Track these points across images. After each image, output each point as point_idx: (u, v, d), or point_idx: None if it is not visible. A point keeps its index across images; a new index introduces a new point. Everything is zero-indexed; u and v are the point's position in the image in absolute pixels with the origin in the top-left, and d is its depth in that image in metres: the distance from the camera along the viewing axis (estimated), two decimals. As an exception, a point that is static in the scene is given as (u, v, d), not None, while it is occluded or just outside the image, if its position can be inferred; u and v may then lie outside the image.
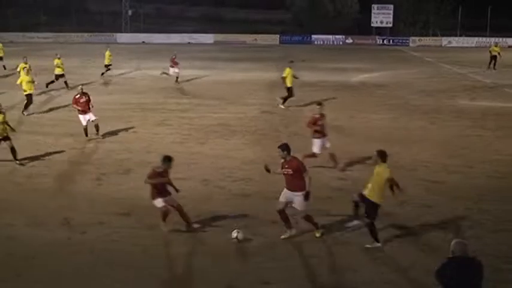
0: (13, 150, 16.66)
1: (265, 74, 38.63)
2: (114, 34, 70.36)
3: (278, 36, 70.23)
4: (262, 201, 14.06)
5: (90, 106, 20.15)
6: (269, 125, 22.70)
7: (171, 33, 70.58)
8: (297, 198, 11.63)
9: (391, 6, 70.68)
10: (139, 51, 56.62)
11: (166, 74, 34.24)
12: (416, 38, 68.80)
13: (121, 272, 10.41)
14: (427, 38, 69.39)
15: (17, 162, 16.72)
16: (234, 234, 11.57)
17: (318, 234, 11.87)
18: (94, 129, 20.03)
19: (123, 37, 69.85)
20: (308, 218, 11.86)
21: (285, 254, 11.24)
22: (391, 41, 68.73)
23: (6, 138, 16.65)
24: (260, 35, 70.08)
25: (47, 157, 17.74)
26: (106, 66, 36.05)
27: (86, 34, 68.71)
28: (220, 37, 69.26)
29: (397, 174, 16.34)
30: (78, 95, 20.19)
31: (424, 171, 16.71)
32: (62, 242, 11.71)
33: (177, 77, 33.68)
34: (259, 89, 32.09)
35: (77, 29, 71.39)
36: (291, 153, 11.98)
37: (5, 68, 38.36)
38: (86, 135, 19.92)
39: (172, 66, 34.20)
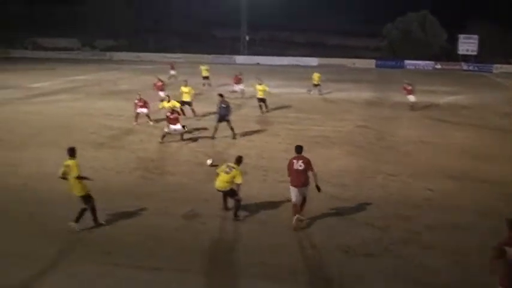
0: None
1: (362, 93, 38.18)
2: (233, 56, 71.74)
3: (374, 61, 69.07)
4: (356, 204, 13.94)
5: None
6: (364, 138, 22.37)
7: (281, 56, 71.07)
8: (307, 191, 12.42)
9: (476, 36, 67.78)
10: (255, 71, 57.31)
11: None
12: (499, 66, 65.55)
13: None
14: (510, 66, 65.93)
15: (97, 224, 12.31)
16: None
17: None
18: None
19: (241, 59, 71.04)
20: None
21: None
22: (475, 67, 65.86)
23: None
24: (358, 60, 69.20)
25: (175, 158, 18.29)
26: (204, 78, 38.17)
27: (210, 56, 70.37)
28: (324, 60, 68.88)
29: (483, 190, 15.71)
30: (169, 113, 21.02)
31: (509, 187, 15.85)
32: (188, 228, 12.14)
33: (242, 93, 34.23)
34: (356, 107, 31.70)
35: (204, 51, 73.32)
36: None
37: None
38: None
39: (237, 84, 35.29)
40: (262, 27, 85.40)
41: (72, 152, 11.93)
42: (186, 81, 27.16)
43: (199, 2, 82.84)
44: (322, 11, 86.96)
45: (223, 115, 21.53)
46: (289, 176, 12.58)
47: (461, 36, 68.98)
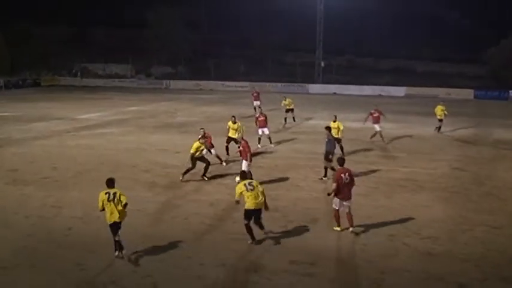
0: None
1: (458, 129, 37.44)
2: (306, 85, 72.16)
3: (472, 91, 67.68)
4: (449, 262, 13.55)
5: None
6: (460, 183, 21.83)
7: (362, 85, 70.89)
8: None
9: None
10: (331, 101, 57.49)
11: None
12: None
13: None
14: None
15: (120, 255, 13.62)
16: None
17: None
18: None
19: (314, 87, 71.42)
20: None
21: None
22: None
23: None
24: (453, 89, 67.92)
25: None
26: (287, 111, 38.05)
27: (279, 84, 71.13)
28: (412, 90, 68.22)
29: None
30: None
31: None
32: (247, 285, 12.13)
33: (256, 108, 35.81)
34: (451, 145, 31.11)
35: (272, 79, 74.22)
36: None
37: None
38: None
39: (256, 100, 38.88)
40: (339, 52, 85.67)
41: (112, 183, 13.76)
42: (234, 117, 26.65)
43: (266, 24, 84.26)
44: (409, 33, 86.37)
45: (330, 151, 21.70)
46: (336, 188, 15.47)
47: None
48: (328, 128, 22.68)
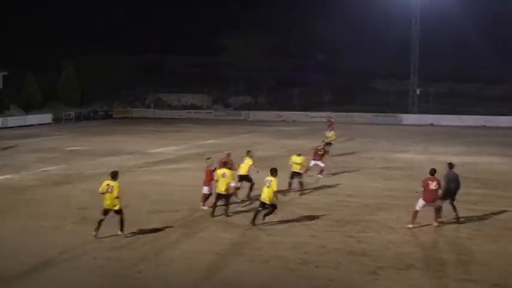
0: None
1: None
2: (399, 115, 71.37)
3: None
4: None
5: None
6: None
7: (463, 115, 69.46)
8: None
9: None
10: (427, 133, 56.55)
11: None
12: None
13: None
14: None
15: (121, 233, 18.78)
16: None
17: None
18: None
19: (409, 118, 70.53)
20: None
21: None
22: None
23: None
24: None
25: (319, 244, 18.27)
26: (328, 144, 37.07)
27: (369, 114, 70.73)
28: (521, 120, 66.40)
29: None
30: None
31: None
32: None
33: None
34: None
35: (361, 109, 73.89)
36: None
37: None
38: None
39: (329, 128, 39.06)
40: (438, 79, 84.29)
41: (115, 175, 18.62)
42: (250, 151, 26.29)
43: (356, 48, 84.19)
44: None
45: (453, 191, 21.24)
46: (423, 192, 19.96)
47: None
48: (451, 165, 22.07)
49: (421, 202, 20.03)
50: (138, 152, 41.11)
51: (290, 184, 25.96)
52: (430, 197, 19.88)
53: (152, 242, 18.46)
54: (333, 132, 39.25)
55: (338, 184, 28.36)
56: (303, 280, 15.30)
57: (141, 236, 19.21)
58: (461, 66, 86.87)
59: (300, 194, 25.64)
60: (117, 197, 18.30)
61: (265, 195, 20.18)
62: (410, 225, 19.87)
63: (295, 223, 20.78)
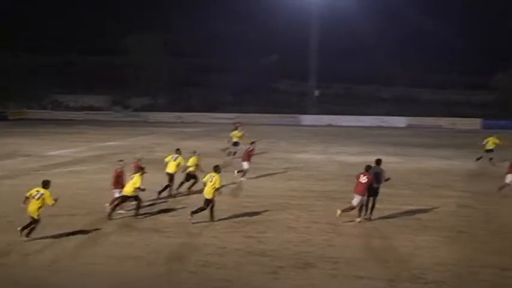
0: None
1: (464, 163, 37.54)
2: (298, 116, 72.45)
3: (480, 120, 68.19)
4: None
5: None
6: (467, 221, 21.81)
7: (359, 115, 71.28)
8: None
9: None
10: (326, 134, 57.70)
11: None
12: None
13: None
14: None
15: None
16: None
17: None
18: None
19: (308, 119, 71.69)
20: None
21: None
22: None
23: None
24: (459, 119, 68.53)
25: (220, 246, 18.35)
26: (234, 144, 38.10)
27: (270, 115, 71.44)
28: (415, 120, 68.75)
29: None
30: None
31: None
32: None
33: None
34: (457, 180, 31.16)
35: (262, 110, 74.52)
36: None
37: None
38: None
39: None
40: (336, 80, 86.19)
41: (46, 185, 18.94)
42: (195, 152, 27.23)
43: (256, 50, 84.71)
44: (411, 60, 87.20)
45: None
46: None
47: None
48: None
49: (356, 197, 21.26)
50: (35, 155, 40.00)
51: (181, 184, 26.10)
52: (359, 189, 21.07)
53: (50, 248, 18.02)
54: (238, 131, 39.19)
55: (240, 185, 28.57)
56: (204, 282, 15.33)
57: (39, 241, 18.71)
58: (359, 68, 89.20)
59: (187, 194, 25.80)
60: (40, 207, 18.45)
61: (208, 191, 20.86)
62: (339, 212, 21.22)
63: (197, 224, 20.77)
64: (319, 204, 24.54)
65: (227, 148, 38.70)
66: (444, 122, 68.09)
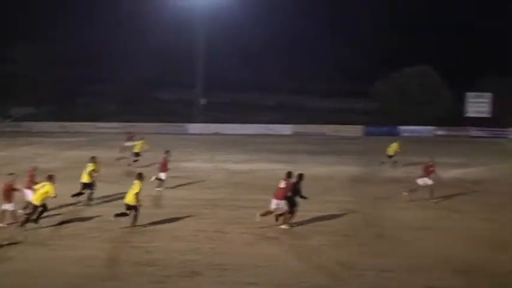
0: None
1: (347, 168, 38.59)
2: (184, 124, 72.13)
3: (362, 127, 70.31)
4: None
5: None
6: (350, 225, 22.47)
7: (245, 124, 71.76)
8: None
9: (489, 94, 70.09)
10: (212, 142, 57.81)
11: None
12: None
13: None
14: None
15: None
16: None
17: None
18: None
19: (195, 127, 71.48)
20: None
21: None
22: (488, 132, 67.59)
23: None
24: (342, 126, 70.25)
25: (106, 257, 18.05)
26: (136, 154, 37.68)
27: (156, 124, 70.75)
28: (299, 128, 69.93)
29: (492, 283, 15.91)
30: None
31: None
32: None
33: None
34: (340, 186, 31.99)
35: (147, 119, 73.64)
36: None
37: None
38: None
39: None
40: (222, 88, 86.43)
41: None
42: (94, 157, 26.98)
43: (141, 58, 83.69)
44: (296, 68, 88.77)
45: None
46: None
47: (469, 95, 71.09)
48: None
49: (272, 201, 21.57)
50: None
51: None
52: (277, 194, 21.52)
53: None
54: (139, 142, 38.53)
55: (159, 195, 28.11)
56: None
57: None
58: (245, 76, 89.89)
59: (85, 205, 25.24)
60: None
61: (129, 198, 21.21)
62: (258, 219, 21.43)
63: (82, 236, 20.34)
64: (207, 212, 24.57)
65: (123, 157, 38.40)
66: (328, 129, 69.57)
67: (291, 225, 21.93)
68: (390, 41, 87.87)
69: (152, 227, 21.74)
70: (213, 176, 35.10)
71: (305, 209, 25.01)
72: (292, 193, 21.91)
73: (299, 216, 23.46)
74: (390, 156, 38.72)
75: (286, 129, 69.97)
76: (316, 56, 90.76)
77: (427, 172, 27.82)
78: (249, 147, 52.68)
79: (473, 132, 68.28)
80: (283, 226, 21.68)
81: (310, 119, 73.71)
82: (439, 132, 68.22)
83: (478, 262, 17.72)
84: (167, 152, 31.27)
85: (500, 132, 67.42)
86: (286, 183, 21.72)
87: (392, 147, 38.94)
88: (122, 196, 23.58)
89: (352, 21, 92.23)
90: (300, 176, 22.71)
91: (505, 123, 68.68)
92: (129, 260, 17.64)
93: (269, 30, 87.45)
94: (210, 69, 76.99)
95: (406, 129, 68.38)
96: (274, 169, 37.58)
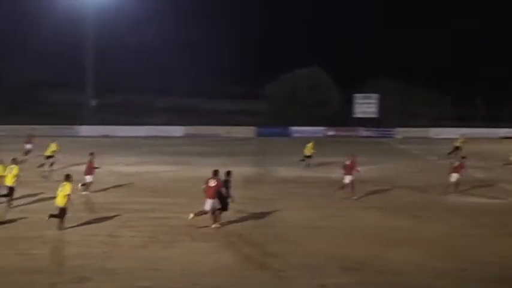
0: None
1: (240, 169, 38.58)
2: (74, 127, 70.37)
3: (254, 128, 70.81)
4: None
5: None
6: (242, 226, 22.53)
7: (137, 125, 70.90)
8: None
9: (376, 95, 72.32)
10: (103, 144, 56.68)
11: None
12: (403, 130, 70.05)
13: None
14: (415, 130, 70.58)
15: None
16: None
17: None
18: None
19: (85, 130, 69.87)
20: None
21: None
22: (375, 132, 69.82)
23: None
24: (235, 127, 70.55)
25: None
26: (47, 157, 37.38)
27: (46, 126, 68.57)
28: (191, 129, 69.68)
29: (380, 280, 16.38)
30: None
31: (411, 276, 16.72)
32: None
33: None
34: (233, 187, 31.96)
35: (36, 121, 71.25)
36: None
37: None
38: None
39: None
40: (114, 90, 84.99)
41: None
42: (15, 158, 26.66)
43: (28, 60, 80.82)
44: (189, 69, 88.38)
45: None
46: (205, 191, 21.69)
47: (357, 97, 73.11)
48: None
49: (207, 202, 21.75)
50: None
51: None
52: (209, 193, 21.71)
53: None
54: (52, 144, 37.57)
55: (16, 199, 27.07)
56: None
57: None
58: (137, 77, 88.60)
59: None
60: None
61: (60, 200, 21.21)
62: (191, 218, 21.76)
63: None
64: (98, 216, 24.01)
65: (25, 160, 37.74)
66: (221, 130, 69.70)
67: (222, 223, 22.16)
68: (282, 42, 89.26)
69: (40, 232, 21.03)
70: (104, 179, 34.40)
71: (194, 211, 25.02)
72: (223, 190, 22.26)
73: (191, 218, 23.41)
74: (308, 156, 40.27)
75: (178, 130, 69.59)
76: (210, 58, 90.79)
77: (350, 169, 28.90)
78: (140, 149, 52.07)
79: (362, 132, 70.30)
80: (214, 225, 21.87)
81: (203, 121, 73.68)
82: (330, 133, 69.66)
83: (368, 259, 18.18)
84: (91, 154, 31.15)
85: (387, 132, 69.81)
86: (215, 181, 21.87)
87: (308, 147, 40.52)
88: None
89: (242, 24, 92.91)
90: (228, 173, 23.19)
91: (391, 124, 71.25)
92: (16, 269, 16.97)
93: (162, 32, 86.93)
94: (102, 70, 75.42)
95: (297, 130, 69.58)
96: (165, 171, 37.39)
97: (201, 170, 38.08)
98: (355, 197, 28.02)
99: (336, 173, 34.68)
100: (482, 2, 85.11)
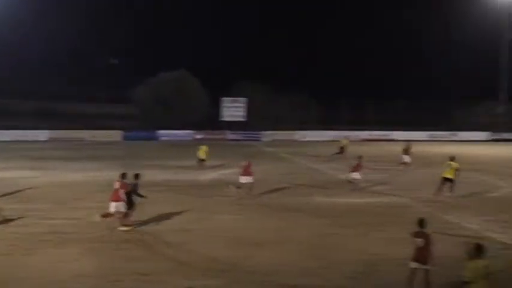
0: None
1: (104, 173, 37.80)
2: None
3: (121, 132, 69.62)
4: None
5: None
6: (109, 231, 21.98)
7: (0, 130, 67.85)
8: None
9: (244, 99, 73.14)
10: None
11: None
12: (270, 133, 71.26)
13: None
14: (281, 133, 72.00)
15: None
16: None
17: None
18: None
19: None
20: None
21: None
22: (243, 135, 70.61)
23: None
24: (100, 131, 69.04)
25: None
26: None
27: None
28: (56, 133, 67.48)
29: (250, 280, 16.48)
30: None
31: (280, 276, 16.94)
32: None
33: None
34: (97, 191, 31.11)
35: None
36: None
37: None
38: None
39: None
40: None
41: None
42: None
43: None
44: (52, 71, 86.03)
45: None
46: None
47: (225, 100, 73.67)
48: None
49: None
50: None
51: None
52: (114, 197, 21.73)
53: None
54: None
55: None
56: None
57: None
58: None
59: None
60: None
61: None
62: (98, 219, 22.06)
63: None
64: None
65: None
66: (86, 134, 67.97)
67: (129, 226, 21.92)
68: (150, 45, 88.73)
69: None
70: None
71: (60, 216, 24.30)
72: (130, 193, 22.29)
73: (55, 224, 22.70)
74: (202, 160, 40.99)
75: (42, 135, 67.18)
76: (78, 61, 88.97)
77: (247, 171, 29.99)
78: (4, 154, 49.84)
79: (230, 135, 70.87)
80: (121, 228, 21.61)
81: (69, 125, 71.72)
82: (198, 136, 69.56)
83: (238, 261, 18.29)
84: None
85: (254, 136, 70.73)
86: (120, 184, 21.80)
87: (202, 150, 41.33)
88: None
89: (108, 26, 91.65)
90: (136, 176, 23.13)
91: (258, 127, 72.31)
92: None
93: (28, 33, 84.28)
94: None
95: (165, 134, 69.07)
96: (26, 176, 35.96)
97: (66, 175, 37.13)
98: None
99: (204, 175, 34.65)
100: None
